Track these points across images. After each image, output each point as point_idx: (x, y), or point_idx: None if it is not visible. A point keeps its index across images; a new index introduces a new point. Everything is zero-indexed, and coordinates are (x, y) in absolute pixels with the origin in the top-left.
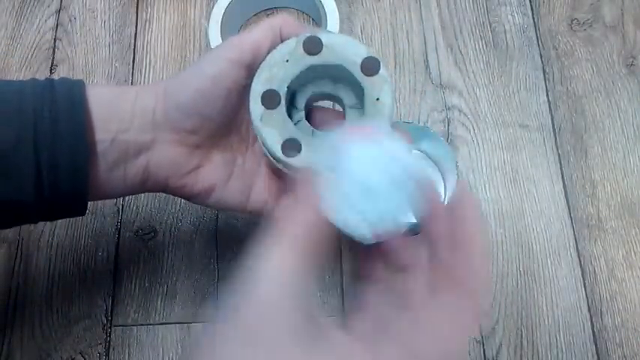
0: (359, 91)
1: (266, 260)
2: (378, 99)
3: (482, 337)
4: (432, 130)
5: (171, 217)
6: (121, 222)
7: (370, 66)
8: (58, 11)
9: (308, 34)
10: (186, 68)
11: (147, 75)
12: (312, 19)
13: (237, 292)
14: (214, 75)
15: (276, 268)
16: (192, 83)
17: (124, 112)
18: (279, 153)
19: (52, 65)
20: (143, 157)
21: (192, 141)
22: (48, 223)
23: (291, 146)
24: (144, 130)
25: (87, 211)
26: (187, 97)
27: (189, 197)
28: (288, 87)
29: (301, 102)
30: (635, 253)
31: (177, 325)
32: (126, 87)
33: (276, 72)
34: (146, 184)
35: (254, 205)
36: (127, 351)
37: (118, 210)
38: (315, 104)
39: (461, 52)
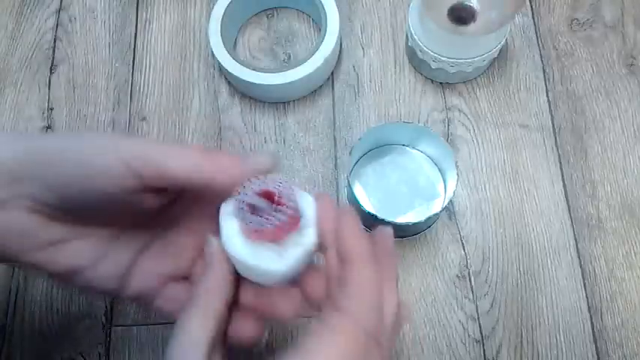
0: None
1: (181, 329)
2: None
3: (482, 337)
4: (432, 130)
5: None
6: None
7: None
8: (58, 11)
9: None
10: (68, 137)
11: (147, 75)
12: (312, 19)
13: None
14: (101, 173)
15: (190, 335)
16: (69, 168)
17: None
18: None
19: (52, 65)
20: None
21: (55, 214)
22: None
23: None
24: None
25: None
26: (59, 183)
27: (49, 275)
28: None
29: None
30: (635, 253)
31: None
32: None
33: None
34: None
35: (131, 292)
36: (127, 351)
37: None
38: None
39: None
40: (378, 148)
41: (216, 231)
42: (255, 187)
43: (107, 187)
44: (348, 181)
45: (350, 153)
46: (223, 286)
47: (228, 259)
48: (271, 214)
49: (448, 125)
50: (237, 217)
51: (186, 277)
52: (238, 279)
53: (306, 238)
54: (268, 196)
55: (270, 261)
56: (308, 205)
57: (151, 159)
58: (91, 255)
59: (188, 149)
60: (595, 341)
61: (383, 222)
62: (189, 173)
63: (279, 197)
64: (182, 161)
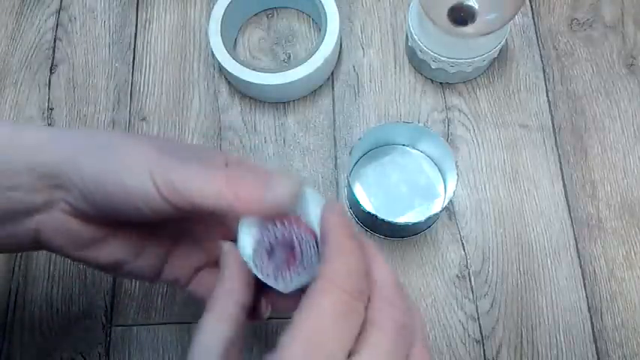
0: None
1: (198, 333)
2: None
3: (482, 337)
4: (432, 130)
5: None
6: None
7: None
8: (58, 11)
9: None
10: (106, 155)
11: (147, 75)
12: (312, 19)
13: None
14: (133, 193)
15: (205, 339)
16: (105, 187)
17: (16, 163)
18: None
19: (52, 65)
20: (33, 219)
21: (92, 218)
22: None
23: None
24: (37, 190)
25: None
26: (95, 198)
27: (96, 268)
28: None
29: None
30: (635, 253)
31: (177, 325)
32: (27, 130)
33: None
34: (41, 247)
35: (167, 278)
36: (127, 351)
37: None
38: None
39: None
40: (378, 148)
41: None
42: (278, 234)
43: (140, 205)
44: (348, 181)
45: (350, 153)
46: (238, 290)
47: (245, 264)
48: (286, 270)
49: (448, 125)
50: (254, 250)
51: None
52: (257, 282)
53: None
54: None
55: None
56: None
57: (178, 188)
58: (129, 251)
59: (214, 174)
60: (595, 341)
61: (383, 222)
62: (213, 202)
63: (298, 251)
64: (207, 191)
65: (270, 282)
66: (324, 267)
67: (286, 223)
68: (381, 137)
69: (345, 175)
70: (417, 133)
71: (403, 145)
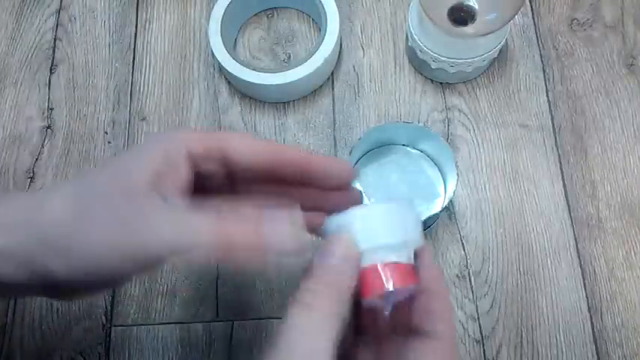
0: None
1: (300, 334)
2: None
3: (482, 337)
4: (432, 130)
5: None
6: None
7: None
8: (58, 11)
9: None
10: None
11: (147, 75)
12: (312, 19)
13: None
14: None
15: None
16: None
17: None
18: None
19: (52, 65)
20: None
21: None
22: None
23: None
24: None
25: None
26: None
27: None
28: None
29: None
30: (635, 253)
31: (177, 325)
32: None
33: None
34: None
35: None
36: (127, 351)
37: None
38: None
39: None
40: (378, 148)
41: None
42: (392, 299)
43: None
44: None
45: (350, 153)
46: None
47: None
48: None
49: (448, 125)
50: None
51: None
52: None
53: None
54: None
55: None
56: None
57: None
58: None
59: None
60: (595, 341)
61: None
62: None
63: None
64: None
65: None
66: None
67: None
68: (381, 137)
69: None
70: (417, 133)
71: (403, 145)
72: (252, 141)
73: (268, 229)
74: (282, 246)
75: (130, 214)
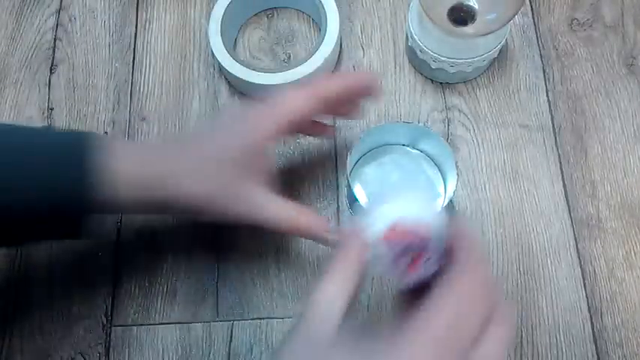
0: None
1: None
2: None
3: None
4: (431, 130)
5: (171, 217)
6: (121, 222)
7: None
8: (58, 11)
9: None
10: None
11: (147, 75)
12: (312, 19)
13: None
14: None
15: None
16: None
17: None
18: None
19: (52, 65)
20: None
21: None
22: None
23: None
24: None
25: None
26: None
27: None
28: None
29: None
30: (635, 253)
31: (177, 325)
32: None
33: None
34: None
35: None
36: (127, 351)
37: None
38: None
39: None
40: (378, 148)
41: None
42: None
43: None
44: (348, 181)
45: (350, 153)
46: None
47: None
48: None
49: (448, 125)
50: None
51: None
52: None
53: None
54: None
55: None
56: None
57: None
58: None
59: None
60: (595, 341)
61: None
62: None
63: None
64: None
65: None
66: (464, 255)
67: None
68: (381, 137)
69: (345, 175)
70: (417, 133)
71: (403, 145)
72: (333, 85)
73: (314, 221)
74: (322, 234)
75: (231, 180)
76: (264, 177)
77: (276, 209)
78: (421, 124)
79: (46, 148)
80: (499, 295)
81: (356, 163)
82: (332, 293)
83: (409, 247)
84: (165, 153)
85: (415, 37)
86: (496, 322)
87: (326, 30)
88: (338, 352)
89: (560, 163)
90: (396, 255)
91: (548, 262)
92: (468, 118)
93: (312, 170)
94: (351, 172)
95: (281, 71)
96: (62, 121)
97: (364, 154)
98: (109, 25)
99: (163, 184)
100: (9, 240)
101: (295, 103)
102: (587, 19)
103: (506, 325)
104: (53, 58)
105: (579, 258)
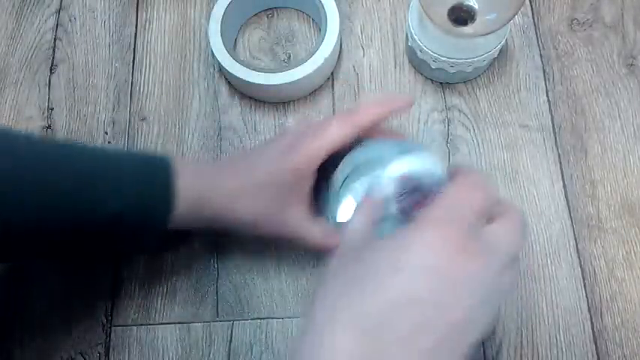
0: None
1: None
2: None
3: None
4: (419, 144)
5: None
6: None
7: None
8: (58, 11)
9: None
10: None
11: (147, 75)
12: (312, 19)
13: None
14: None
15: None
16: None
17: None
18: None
19: (52, 65)
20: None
21: None
22: None
23: None
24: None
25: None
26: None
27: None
28: None
29: None
30: (635, 253)
31: (177, 325)
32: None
33: None
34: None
35: None
36: (127, 351)
37: None
38: None
39: None
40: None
41: None
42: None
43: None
44: (332, 199)
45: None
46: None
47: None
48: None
49: (448, 125)
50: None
51: None
52: None
53: None
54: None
55: None
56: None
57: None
58: None
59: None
60: (595, 341)
61: None
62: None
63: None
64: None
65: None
66: (460, 174)
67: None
68: (366, 157)
69: (332, 191)
70: (404, 148)
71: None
72: (372, 113)
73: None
74: None
75: (280, 204)
76: (305, 200)
77: (315, 232)
78: (411, 141)
79: (131, 170)
80: (497, 194)
81: (344, 180)
82: (357, 221)
83: (416, 188)
84: (218, 174)
85: (415, 37)
86: (504, 208)
87: (326, 30)
88: (369, 249)
89: (560, 163)
90: (405, 197)
91: (548, 262)
92: (468, 118)
93: None
94: (340, 187)
95: (281, 71)
96: (62, 121)
97: (352, 171)
98: (109, 25)
99: (213, 204)
100: (91, 250)
101: (336, 132)
102: (587, 19)
103: (514, 210)
104: (53, 58)
105: (579, 258)
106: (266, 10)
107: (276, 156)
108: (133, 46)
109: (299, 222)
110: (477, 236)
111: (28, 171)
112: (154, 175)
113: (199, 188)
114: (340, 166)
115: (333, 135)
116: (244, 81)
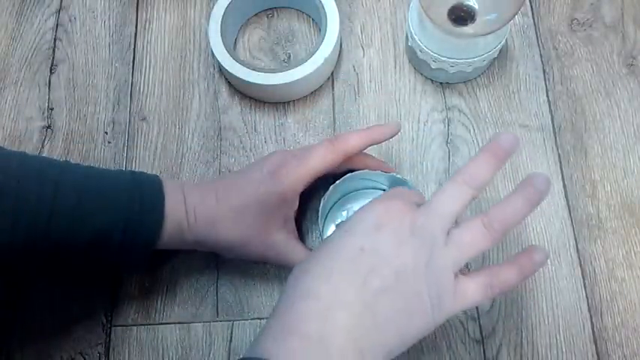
0: None
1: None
2: None
3: (482, 337)
4: (406, 179)
5: None
6: None
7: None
8: (58, 11)
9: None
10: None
11: (147, 75)
12: (312, 19)
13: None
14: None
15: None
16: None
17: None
18: None
19: (52, 65)
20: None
21: None
22: None
23: None
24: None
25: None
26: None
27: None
28: None
29: None
30: (635, 253)
31: (177, 325)
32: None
33: None
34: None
35: None
36: (127, 351)
37: None
38: None
39: None
40: (352, 193)
41: None
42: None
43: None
44: (321, 228)
45: (324, 198)
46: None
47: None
48: None
49: (448, 125)
50: None
51: None
52: None
53: None
54: None
55: None
56: None
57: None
58: None
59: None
60: (595, 341)
61: None
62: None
63: None
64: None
65: None
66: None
67: None
68: (358, 184)
69: (319, 220)
70: (395, 183)
71: (382, 189)
72: (356, 140)
73: None
74: None
75: (263, 227)
76: (289, 224)
77: (300, 253)
78: (391, 174)
79: (121, 187)
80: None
81: (330, 208)
82: (319, 159)
83: None
84: (202, 196)
85: (415, 37)
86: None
87: (326, 30)
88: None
89: (560, 163)
90: None
91: (548, 262)
92: (468, 118)
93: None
94: (326, 216)
95: (281, 71)
96: (62, 121)
97: (338, 199)
98: (109, 25)
99: (193, 229)
100: (79, 266)
101: (321, 158)
102: (587, 19)
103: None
104: (53, 58)
105: (579, 258)
106: (266, 10)
107: (262, 179)
108: (133, 46)
109: (284, 244)
110: (418, 213)
111: (17, 185)
112: (143, 193)
113: (184, 210)
114: (328, 194)
115: (318, 160)
116: (244, 81)
